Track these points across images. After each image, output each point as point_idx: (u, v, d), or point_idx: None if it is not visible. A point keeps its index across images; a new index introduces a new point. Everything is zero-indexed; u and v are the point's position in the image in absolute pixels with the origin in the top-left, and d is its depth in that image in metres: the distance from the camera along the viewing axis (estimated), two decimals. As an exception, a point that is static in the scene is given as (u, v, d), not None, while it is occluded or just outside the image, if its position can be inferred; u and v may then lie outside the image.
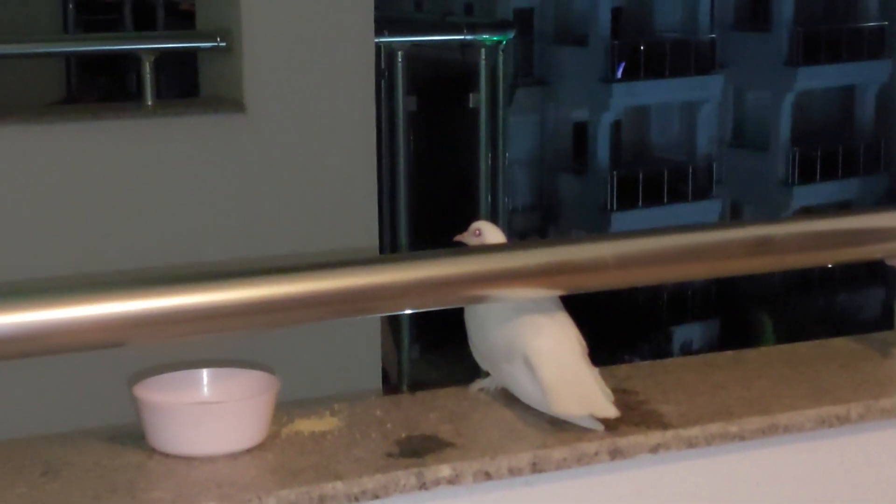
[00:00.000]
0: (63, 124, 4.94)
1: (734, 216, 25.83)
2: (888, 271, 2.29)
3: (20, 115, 4.97)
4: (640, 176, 24.74)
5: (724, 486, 2.02)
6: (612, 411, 1.95)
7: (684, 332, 21.63)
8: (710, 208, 25.37)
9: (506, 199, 5.98)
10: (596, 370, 2.04)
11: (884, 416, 2.06)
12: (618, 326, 18.90)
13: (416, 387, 5.48)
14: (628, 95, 25.00)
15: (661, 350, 20.40)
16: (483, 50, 5.75)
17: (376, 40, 5.21)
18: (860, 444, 2.08)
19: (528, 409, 2.00)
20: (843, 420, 2.04)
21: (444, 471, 1.82)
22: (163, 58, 5.37)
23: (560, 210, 25.13)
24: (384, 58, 5.71)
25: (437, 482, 1.82)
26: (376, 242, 5.26)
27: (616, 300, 19.04)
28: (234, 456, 1.83)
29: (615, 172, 24.74)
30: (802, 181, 25.53)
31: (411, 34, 5.82)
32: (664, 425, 1.96)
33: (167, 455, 1.83)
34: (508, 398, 2.04)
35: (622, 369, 2.21)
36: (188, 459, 1.81)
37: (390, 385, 5.42)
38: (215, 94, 5.32)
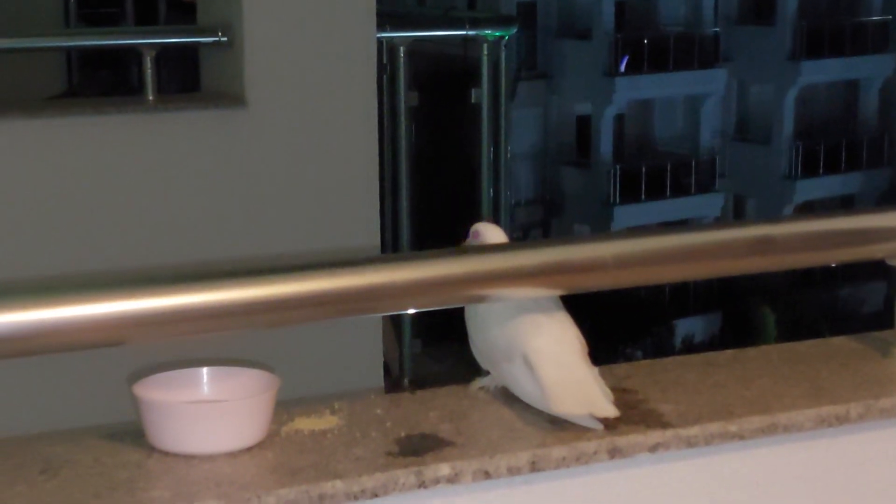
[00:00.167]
0: (64, 118, 4.94)
1: (737, 210, 25.82)
2: (890, 267, 2.29)
3: (21, 109, 4.98)
4: (644, 169, 24.73)
5: (724, 486, 2.02)
6: (611, 411, 1.95)
7: (686, 326, 21.64)
8: (713, 202, 25.36)
9: (508, 194, 5.98)
10: (595, 369, 2.04)
11: (883, 415, 2.06)
12: (620, 320, 18.91)
13: (417, 381, 5.49)
14: (632, 89, 24.99)
15: (663, 344, 20.41)
16: (485, 45, 5.75)
17: (378, 35, 5.20)
18: (860, 444, 2.08)
19: (527, 408, 2.00)
20: (842, 420, 2.04)
21: (444, 470, 1.82)
22: (164, 52, 5.37)
23: (563, 203, 25.13)
24: (386, 53, 5.70)
25: (437, 481, 1.82)
26: (378, 237, 5.26)
27: (618, 294, 19.03)
28: (233, 454, 1.83)
29: (618, 166, 24.73)
30: (805, 175, 25.52)
31: (413, 29, 5.82)
32: (663, 424, 1.96)
33: (167, 453, 1.83)
34: (508, 397, 2.04)
35: (621, 368, 2.21)
36: (188, 458, 1.82)
37: (392, 380, 5.42)
38: (216, 89, 5.31)
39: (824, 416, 2.04)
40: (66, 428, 2.03)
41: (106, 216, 4.86)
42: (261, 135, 5.10)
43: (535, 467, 1.87)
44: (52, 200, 4.81)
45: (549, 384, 1.97)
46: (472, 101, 5.76)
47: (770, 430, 2.00)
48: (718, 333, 21.58)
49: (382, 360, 5.22)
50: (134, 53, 5.30)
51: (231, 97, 5.12)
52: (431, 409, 2.03)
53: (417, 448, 1.87)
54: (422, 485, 1.81)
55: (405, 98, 5.68)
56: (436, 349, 5.59)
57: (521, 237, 23.65)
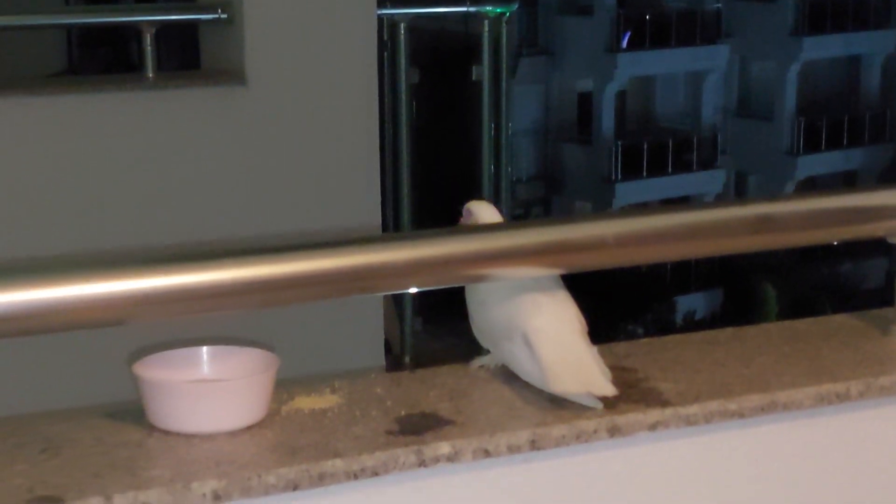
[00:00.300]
0: (64, 96, 4.94)
1: (739, 186, 25.79)
2: (891, 245, 2.29)
3: (21, 88, 4.97)
4: (645, 146, 24.69)
5: (723, 464, 2.02)
6: (610, 389, 1.95)
7: (687, 303, 21.64)
8: (715, 178, 25.33)
9: (509, 170, 5.97)
10: (595, 348, 2.04)
11: (883, 393, 2.07)
12: (621, 297, 18.91)
13: (418, 358, 5.49)
14: (633, 65, 24.93)
15: (664, 320, 20.41)
16: (486, 21, 5.73)
17: (378, 12, 5.19)
18: (860, 422, 2.09)
19: (527, 387, 2.00)
20: (842, 398, 2.04)
21: (444, 448, 1.83)
22: (164, 30, 5.36)
23: (564, 180, 25.10)
24: (386, 30, 5.69)
25: (437, 460, 1.82)
26: (378, 214, 5.26)
27: (619, 271, 19.01)
28: (233, 434, 1.83)
29: (620, 142, 24.70)
30: (807, 151, 25.49)
31: (414, 6, 5.80)
32: (663, 403, 1.96)
33: (167, 432, 1.83)
34: (508, 376, 2.05)
35: (621, 346, 2.21)
36: (188, 437, 1.82)
37: (393, 357, 5.42)
38: (216, 67, 5.31)
39: (824, 394, 2.04)
40: (66, 407, 2.03)
41: (106, 194, 4.86)
42: (261, 112, 5.09)
43: (534, 446, 1.87)
44: (52, 178, 4.81)
45: (548, 363, 1.97)
46: (473, 78, 5.75)
47: (770, 409, 2.00)
48: (720, 310, 21.58)
49: (384, 338, 5.22)
50: (134, 31, 5.30)
51: (231, 74, 5.12)
52: (431, 387, 2.03)
53: (417, 427, 1.87)
54: (422, 463, 1.81)
55: (406, 75, 5.67)
56: (437, 327, 5.59)
57: (522, 214, 23.67)
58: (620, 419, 1.92)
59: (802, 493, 2.08)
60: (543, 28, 25.40)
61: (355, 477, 1.77)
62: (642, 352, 2.19)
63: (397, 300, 5.50)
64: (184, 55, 7.24)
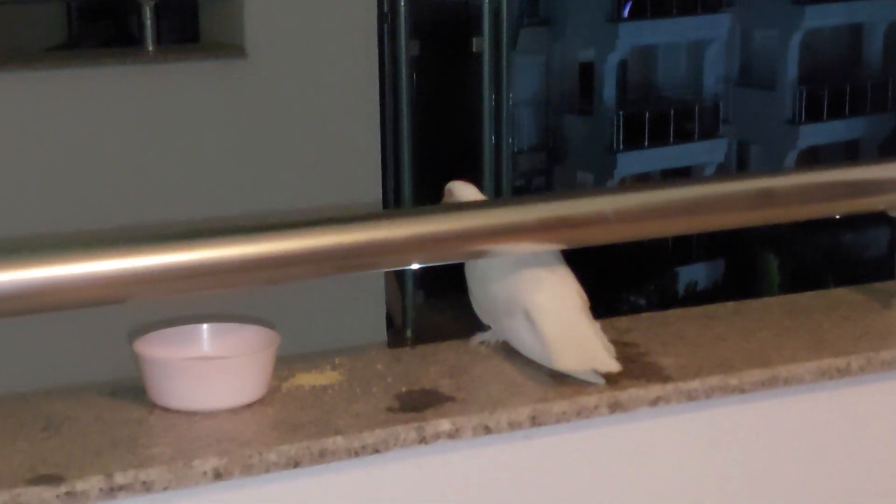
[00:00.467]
0: (63, 70, 4.94)
1: (741, 155, 25.74)
2: (892, 219, 2.29)
3: (20, 62, 4.96)
4: (647, 116, 24.63)
5: (724, 439, 2.02)
6: (613, 365, 1.95)
7: (689, 274, 21.63)
8: (717, 148, 25.27)
9: (511, 140, 5.96)
10: (597, 324, 2.04)
11: (884, 368, 2.06)
12: (623, 268, 18.91)
13: (420, 332, 5.50)
14: (635, 35, 24.85)
15: (665, 291, 20.41)
16: (486, -8, 5.72)
17: (379, -16, 5.18)
18: (860, 397, 2.09)
19: (528, 363, 2.00)
20: (843, 372, 2.04)
21: (444, 425, 1.83)
22: (164, 3, 5.35)
23: (566, 150, 25.05)
24: (386, 2, 5.68)
25: (437, 436, 1.82)
26: (379, 186, 5.26)
27: (621, 242, 18.99)
28: (234, 411, 1.83)
29: (621, 112, 24.63)
30: (809, 120, 25.41)
31: (414, -22, 5.78)
32: (664, 378, 1.96)
33: (168, 410, 1.83)
34: (509, 352, 2.05)
35: (622, 321, 2.21)
36: (189, 414, 1.82)
37: (395, 330, 5.43)
38: (216, 40, 5.30)
39: (825, 368, 2.04)
40: (67, 384, 2.03)
41: (106, 167, 4.87)
42: (261, 85, 5.09)
43: (535, 422, 1.87)
44: (53, 152, 4.81)
45: (550, 339, 1.97)
46: (474, 49, 5.74)
47: (770, 384, 2.00)
48: (721, 281, 21.57)
49: (385, 311, 5.23)
50: (134, 3, 5.28)
51: (231, 48, 5.12)
52: (432, 363, 2.03)
53: (418, 403, 1.87)
54: (422, 440, 1.81)
55: (406, 47, 5.66)
56: (438, 300, 5.60)
57: (523, 185, 23.65)
58: (621, 395, 1.92)
59: (803, 468, 2.08)
60: (544, -2, 25.33)
61: (356, 454, 1.77)
62: (643, 326, 2.19)
63: (399, 274, 5.50)
64: (184, 28, 7.22)
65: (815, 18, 25.20)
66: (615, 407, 1.92)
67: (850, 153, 25.62)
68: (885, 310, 2.25)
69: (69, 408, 1.84)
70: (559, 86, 25.25)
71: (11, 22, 7.36)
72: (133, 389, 1.88)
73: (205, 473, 1.69)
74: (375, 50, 5.22)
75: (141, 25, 5.19)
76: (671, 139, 24.80)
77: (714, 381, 1.98)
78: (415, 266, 2.08)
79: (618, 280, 18.38)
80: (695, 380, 1.97)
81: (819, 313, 2.25)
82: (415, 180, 5.74)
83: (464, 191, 2.14)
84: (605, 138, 24.53)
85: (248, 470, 1.71)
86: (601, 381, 1.94)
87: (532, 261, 2.05)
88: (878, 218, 2.23)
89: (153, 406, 1.84)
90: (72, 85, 4.86)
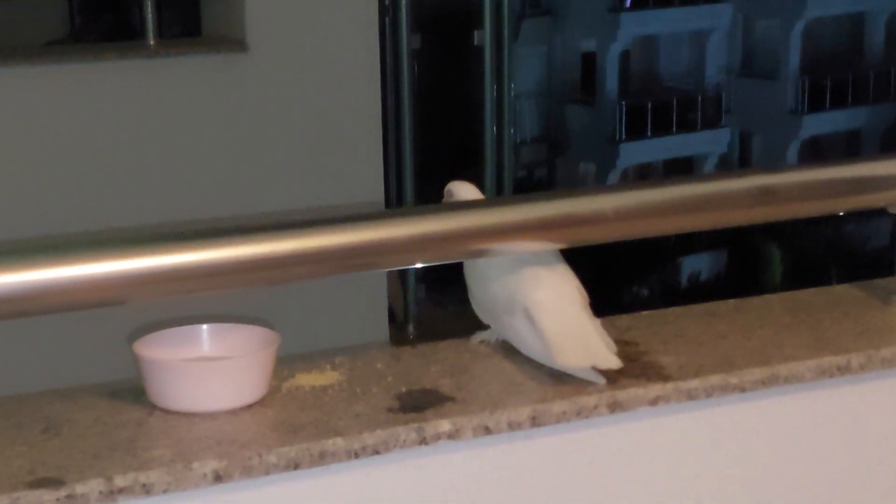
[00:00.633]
0: (65, 65, 4.93)
1: (743, 145, 25.71)
2: (892, 215, 2.29)
3: (21, 57, 4.96)
4: (649, 106, 24.60)
5: (724, 438, 2.02)
6: (614, 362, 1.95)
7: (692, 264, 21.63)
8: (719, 137, 25.25)
9: (512, 131, 5.96)
10: (598, 321, 2.04)
11: (885, 365, 2.06)
12: (625, 258, 18.90)
13: (422, 327, 5.50)
14: (637, 25, 24.82)
15: (668, 281, 20.41)
16: (488, -15, 5.71)
17: (380, -22, 5.18)
18: (861, 395, 2.08)
19: (528, 362, 2.00)
20: (843, 370, 2.04)
21: (444, 426, 1.82)
22: (166, -3, 5.34)
23: (568, 141, 25.03)
24: (388, -5, 5.67)
25: (438, 437, 1.82)
26: (381, 180, 5.26)
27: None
28: (234, 412, 1.83)
29: (623, 103, 24.60)
30: (812, 110, 25.38)
31: (415, -29, 5.77)
32: (664, 377, 1.96)
33: (167, 411, 1.83)
34: (509, 350, 2.04)
35: (623, 319, 2.20)
36: (189, 416, 1.82)
37: (397, 325, 5.43)
38: (218, 33, 5.30)
39: (825, 366, 2.03)
40: (67, 386, 2.03)
41: (107, 162, 4.86)
42: (262, 79, 5.09)
43: (535, 422, 1.87)
44: (54, 147, 4.81)
45: (551, 337, 1.97)
46: (475, 42, 5.73)
47: (770, 382, 2.00)
48: (724, 271, 21.56)
49: (387, 306, 5.23)
50: (135, -2, 5.29)
51: (232, 41, 5.11)
52: (432, 363, 2.03)
53: (418, 404, 1.87)
54: (423, 441, 1.81)
55: (407, 40, 5.65)
56: (440, 294, 5.60)
57: (526, 176, 23.64)
58: (621, 394, 1.92)
59: (804, 466, 2.08)
60: (546, -12, 25.29)
61: (356, 456, 1.77)
62: (644, 324, 2.19)
63: (400, 269, 5.50)
64: (186, 21, 7.21)
65: (817, 8, 25.16)
66: (615, 406, 1.92)
67: (852, 143, 25.59)
68: (885, 306, 2.25)
69: (69, 410, 1.84)
70: (561, 76, 25.22)
71: (13, 15, 7.36)
72: (133, 390, 1.88)
73: (204, 476, 1.69)
74: (377, 43, 5.22)
75: (142, 19, 5.19)
76: (674, 129, 24.78)
77: (714, 379, 1.97)
78: (414, 266, 2.08)
79: (620, 270, 18.38)
80: (695, 379, 1.97)
81: (819, 310, 2.25)
82: (416, 173, 5.74)
83: (465, 190, 2.14)
84: (607, 129, 24.51)
85: (248, 472, 1.71)
86: (602, 379, 1.94)
87: (531, 259, 2.05)
88: (881, 210, 2.23)
89: (153, 407, 1.84)
90: (73, 80, 4.86)
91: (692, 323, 2.20)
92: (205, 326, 1.95)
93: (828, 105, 25.26)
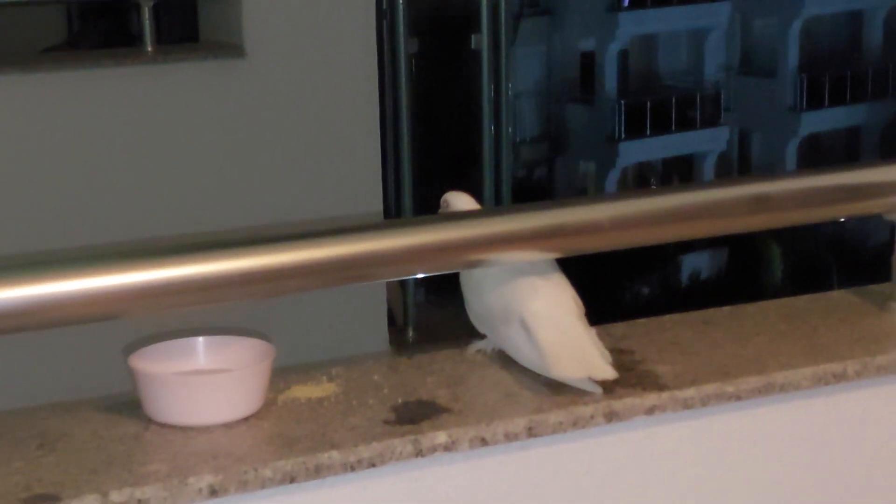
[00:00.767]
0: (62, 72, 4.93)
1: (742, 143, 25.71)
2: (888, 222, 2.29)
3: (18, 64, 4.96)
4: (648, 105, 24.60)
5: (721, 447, 2.02)
6: (610, 373, 1.95)
7: (692, 262, 21.62)
8: (719, 136, 25.25)
9: (509, 131, 5.95)
10: (593, 330, 2.04)
11: (880, 373, 2.06)
12: (626, 256, 18.90)
13: (421, 329, 5.50)
14: (635, 24, 24.82)
15: (669, 280, 20.40)
16: (485, -12, 5.70)
17: (377, -18, 5.18)
18: (857, 402, 2.08)
19: (524, 372, 2.00)
20: (839, 378, 2.04)
21: (441, 438, 1.82)
22: (164, 2, 5.34)
23: (568, 140, 25.03)
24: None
25: (434, 449, 1.82)
26: (379, 184, 5.26)
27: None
28: (230, 425, 1.83)
29: (623, 101, 24.60)
30: (811, 107, 25.38)
31: (412, -25, 5.77)
32: (660, 387, 1.96)
33: (164, 425, 1.83)
34: (505, 360, 2.05)
35: (618, 328, 2.21)
36: (184, 429, 1.82)
37: (396, 328, 5.43)
38: (215, 39, 5.30)
39: (821, 374, 2.03)
40: (63, 400, 2.03)
41: (105, 169, 4.86)
42: (260, 85, 5.09)
43: (531, 433, 1.87)
44: (52, 154, 4.81)
45: (547, 347, 1.97)
46: (473, 46, 5.73)
47: (766, 390, 2.00)
48: (725, 269, 21.55)
49: (387, 310, 5.23)
50: (133, 3, 5.28)
51: (230, 47, 5.11)
52: (429, 373, 2.03)
53: (414, 415, 1.87)
54: (419, 453, 1.81)
55: (405, 44, 5.65)
56: (439, 297, 5.60)
57: (525, 175, 23.64)
58: (617, 404, 1.92)
59: (801, 474, 2.08)
60: (544, -12, 25.29)
61: (352, 469, 1.77)
62: (639, 333, 2.19)
63: (398, 275, 5.50)
64: (184, 27, 7.22)
65: (815, 6, 25.16)
66: (611, 416, 1.92)
67: (851, 140, 25.60)
68: (881, 312, 2.25)
69: (65, 424, 1.84)
70: (560, 76, 25.22)
71: (11, 21, 7.36)
72: (129, 404, 1.88)
73: (200, 490, 1.69)
74: (374, 48, 5.22)
75: (140, 26, 5.19)
76: (673, 128, 24.78)
77: (710, 388, 1.98)
78: (410, 277, 2.08)
79: (621, 269, 18.38)
80: (691, 388, 1.97)
81: (815, 317, 2.25)
82: (415, 176, 5.74)
83: (461, 201, 2.15)
84: (606, 128, 24.51)
85: (244, 486, 1.72)
86: (598, 389, 1.94)
87: (527, 269, 2.05)
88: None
89: (149, 421, 1.84)
90: (70, 87, 4.86)
91: (688, 330, 2.20)
92: (200, 339, 1.95)
93: (826, 102, 25.26)
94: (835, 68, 25.39)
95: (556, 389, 1.94)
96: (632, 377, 1.99)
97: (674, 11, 24.85)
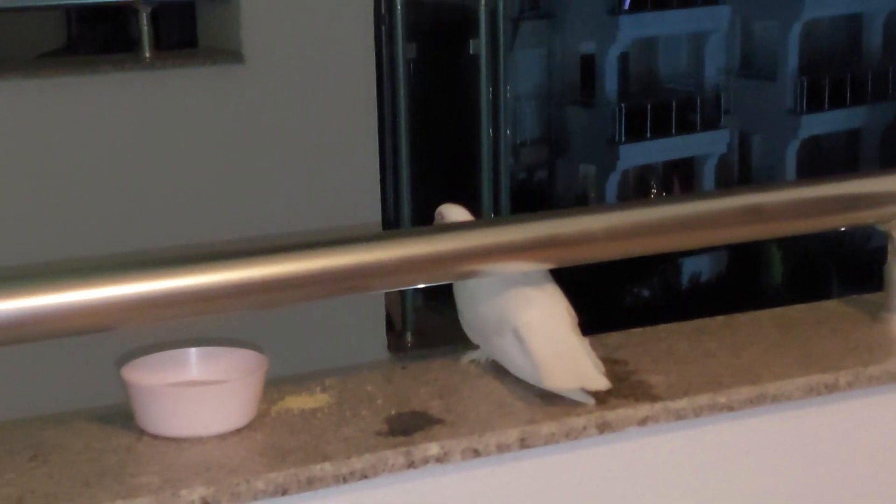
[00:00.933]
0: (60, 78, 4.94)
1: (742, 146, 25.73)
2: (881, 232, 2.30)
3: (16, 70, 4.97)
4: (649, 107, 24.62)
5: (713, 458, 2.03)
6: (603, 383, 1.95)
7: (693, 264, 21.63)
8: (719, 138, 25.27)
9: (507, 134, 5.95)
10: (586, 341, 2.04)
11: (872, 383, 2.07)
12: (627, 260, 18.87)
13: (420, 334, 5.50)
14: (636, 27, 24.83)
15: (669, 282, 20.41)
16: (483, -7, 5.70)
17: (376, -14, 5.18)
18: (849, 412, 2.09)
19: (518, 382, 2.00)
20: (831, 388, 2.05)
21: (433, 449, 1.83)
22: (163, 7, 5.35)
23: (568, 143, 25.05)
24: (384, 4, 5.67)
25: (426, 460, 1.82)
26: (377, 190, 5.27)
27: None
28: (223, 437, 1.84)
29: (623, 104, 24.62)
30: (811, 110, 25.40)
31: (411, -20, 5.78)
32: (653, 397, 1.97)
33: (156, 437, 1.83)
34: (499, 370, 2.05)
35: (613, 338, 2.21)
36: (177, 441, 1.82)
37: (395, 333, 5.44)
38: (214, 45, 5.30)
39: (813, 384, 2.04)
40: (56, 411, 2.03)
41: (103, 175, 4.87)
42: (258, 90, 5.09)
43: (524, 444, 1.88)
44: (49, 160, 4.81)
45: (540, 358, 1.97)
46: (471, 51, 5.73)
47: (759, 401, 2.00)
48: (725, 271, 21.56)
49: (385, 314, 5.24)
50: (132, 8, 5.29)
51: (228, 53, 5.11)
52: (423, 384, 2.03)
53: (407, 427, 1.88)
54: (411, 465, 1.81)
55: (403, 49, 5.65)
56: (437, 302, 5.61)
57: (526, 178, 23.65)
58: (610, 415, 1.93)
59: (793, 485, 2.08)
60: (545, -10, 25.30)
61: (344, 480, 1.77)
62: (634, 342, 2.19)
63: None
64: (183, 32, 7.22)
65: (815, 9, 25.17)
66: (604, 427, 1.92)
67: (851, 142, 25.61)
68: (874, 322, 2.26)
69: (58, 436, 1.85)
70: (561, 78, 25.24)
71: (11, 25, 7.37)
72: (122, 415, 1.88)
73: (192, 502, 1.70)
74: (373, 53, 5.22)
75: (138, 31, 5.20)
76: (673, 130, 24.80)
77: (703, 399, 1.98)
78: (405, 288, 2.08)
79: (621, 272, 18.38)
80: (683, 398, 1.97)
81: (808, 327, 2.25)
82: (413, 182, 5.74)
83: (455, 213, 2.15)
84: (607, 130, 24.53)
85: (236, 498, 1.72)
86: (591, 399, 1.95)
87: (520, 279, 2.05)
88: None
89: (142, 433, 1.85)
90: (68, 92, 4.86)
91: (682, 340, 2.20)
92: (193, 350, 1.95)
93: (826, 105, 25.28)
94: (835, 71, 25.40)
95: (549, 400, 1.94)
96: (625, 388, 1.99)
97: (674, 14, 24.87)
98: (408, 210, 5.59)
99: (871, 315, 2.28)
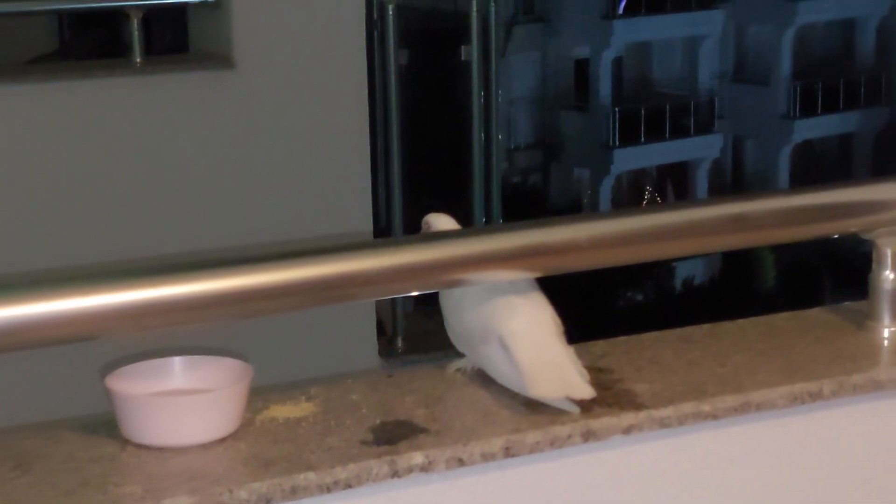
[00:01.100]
0: (51, 83, 4.93)
1: (736, 150, 25.78)
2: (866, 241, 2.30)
3: (7, 75, 4.96)
4: (643, 112, 24.66)
5: (698, 466, 2.03)
6: (587, 392, 1.96)
7: (686, 268, 21.64)
8: (712, 143, 25.32)
9: (499, 139, 5.95)
10: (571, 349, 2.05)
11: (856, 392, 2.07)
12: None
13: (410, 339, 5.49)
14: (630, 32, 24.88)
15: (663, 286, 20.42)
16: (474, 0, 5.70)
17: (367, -7, 5.18)
18: (833, 421, 2.09)
19: (503, 391, 2.01)
20: (815, 397, 2.05)
21: (417, 458, 1.83)
22: (154, 12, 5.34)
23: (562, 147, 25.08)
24: (375, 10, 5.66)
25: (410, 470, 1.83)
26: (369, 197, 5.26)
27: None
28: (206, 446, 1.84)
29: (617, 109, 24.66)
30: (804, 114, 25.45)
31: (402, -15, 5.77)
32: (637, 406, 1.97)
33: (140, 446, 1.83)
34: (484, 379, 2.05)
35: (598, 346, 2.21)
36: (161, 450, 1.82)
37: (386, 338, 5.43)
38: (205, 50, 5.30)
39: (797, 393, 2.04)
40: (40, 420, 2.03)
41: (93, 180, 4.86)
42: (249, 96, 5.09)
43: (508, 453, 1.88)
44: (39, 165, 4.80)
45: (525, 367, 1.97)
46: (462, 58, 5.73)
47: (743, 409, 2.01)
48: (718, 274, 21.58)
49: (375, 319, 5.23)
50: (123, 13, 5.28)
51: (219, 58, 5.11)
52: (408, 393, 2.03)
53: (392, 436, 1.88)
54: (395, 474, 1.82)
55: (394, 56, 5.65)
56: (428, 306, 5.60)
57: (520, 182, 23.66)
58: (594, 423, 1.93)
59: (777, 494, 2.08)
60: (539, -5, 25.33)
61: (328, 490, 1.78)
62: (619, 351, 2.20)
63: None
64: (175, 37, 7.23)
65: (808, 14, 25.23)
66: (588, 436, 1.93)
67: (844, 147, 25.66)
68: (858, 331, 2.26)
69: (41, 445, 1.85)
70: (555, 83, 25.27)
71: (2, 30, 7.36)
72: (106, 424, 1.88)
73: (176, 512, 1.70)
74: (364, 59, 5.22)
75: (129, 37, 5.19)
76: (667, 135, 24.84)
77: (687, 407, 1.98)
78: (390, 297, 2.09)
79: (614, 275, 18.38)
80: (668, 407, 1.97)
81: (793, 335, 2.26)
82: (405, 188, 5.74)
83: (441, 222, 2.16)
84: (601, 135, 24.57)
85: (220, 508, 1.72)
86: (575, 409, 1.95)
87: (506, 288, 2.06)
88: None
89: (125, 442, 1.85)
90: (58, 98, 4.86)
91: (667, 349, 2.20)
92: (177, 359, 1.95)
93: (819, 110, 25.33)
94: (828, 76, 25.46)
95: (534, 409, 1.95)
96: (609, 396, 2.00)
97: (668, 19, 24.91)
98: (399, 216, 5.59)
99: (856, 324, 2.28)
